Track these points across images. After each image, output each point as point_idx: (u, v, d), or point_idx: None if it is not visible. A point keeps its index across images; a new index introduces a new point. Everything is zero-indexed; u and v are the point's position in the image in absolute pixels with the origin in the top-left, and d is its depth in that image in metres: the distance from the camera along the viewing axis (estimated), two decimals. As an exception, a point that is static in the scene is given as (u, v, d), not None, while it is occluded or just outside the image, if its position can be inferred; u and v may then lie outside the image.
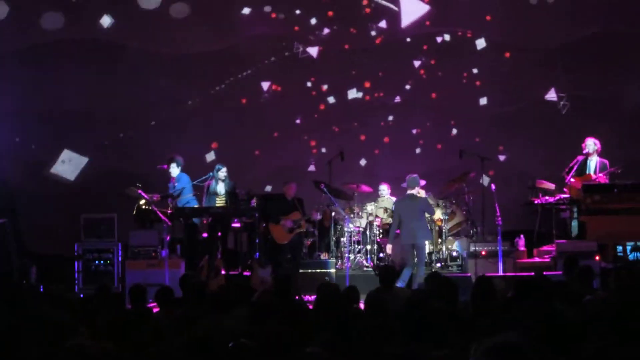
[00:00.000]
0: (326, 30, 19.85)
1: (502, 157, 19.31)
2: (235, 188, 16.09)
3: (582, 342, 5.81)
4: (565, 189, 16.10)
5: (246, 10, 19.61)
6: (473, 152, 17.35)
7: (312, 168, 19.29)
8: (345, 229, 16.77)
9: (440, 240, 16.89)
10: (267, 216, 16.36)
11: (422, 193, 15.81)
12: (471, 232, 17.00)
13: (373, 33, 19.81)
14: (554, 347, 5.58)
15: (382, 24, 19.73)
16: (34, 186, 19.21)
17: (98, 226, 16.42)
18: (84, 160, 19.19)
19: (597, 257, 14.61)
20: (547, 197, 16.33)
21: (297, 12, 19.79)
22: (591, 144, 16.07)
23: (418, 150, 19.70)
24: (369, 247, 17.02)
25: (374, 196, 17.78)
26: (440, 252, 16.86)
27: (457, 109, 19.67)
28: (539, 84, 19.48)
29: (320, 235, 17.68)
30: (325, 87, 19.91)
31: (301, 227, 16.35)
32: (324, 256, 17.26)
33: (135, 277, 14.55)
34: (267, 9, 19.62)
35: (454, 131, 19.60)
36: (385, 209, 17.25)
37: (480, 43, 19.61)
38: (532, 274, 14.05)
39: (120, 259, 16.14)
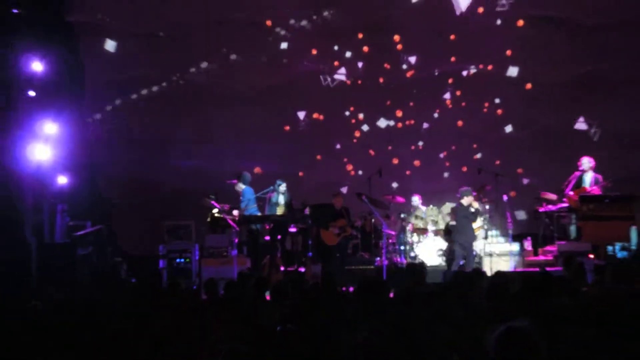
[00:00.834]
0: (360, 64, 19.78)
1: (525, 181, 19.23)
2: (292, 200, 16.22)
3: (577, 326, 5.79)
4: (564, 200, 16.04)
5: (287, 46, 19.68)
6: (489, 170, 17.27)
7: (344, 189, 18.86)
8: (383, 233, 16.79)
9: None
10: (318, 222, 16.43)
11: (475, 204, 15.58)
12: (487, 234, 16.92)
13: (404, 67, 19.73)
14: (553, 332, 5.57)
15: (412, 59, 19.65)
16: (127, 198, 19.43)
17: (178, 230, 16.55)
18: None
19: (592, 256, 14.50)
20: (550, 206, 16.26)
21: (335, 47, 19.77)
22: (586, 162, 16.02)
23: (446, 174, 19.65)
24: (402, 247, 17.03)
25: (407, 206, 17.78)
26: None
27: (479, 135, 19.56)
28: (560, 113, 19.33)
29: (362, 238, 17.80)
30: (361, 115, 19.91)
31: (346, 232, 16.40)
32: (365, 255, 17.33)
33: (209, 273, 14.59)
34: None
35: (478, 155, 19.51)
36: (416, 216, 17.28)
37: (513, 71, 19.38)
38: (537, 269, 13.97)
39: (197, 257, 16.23)
